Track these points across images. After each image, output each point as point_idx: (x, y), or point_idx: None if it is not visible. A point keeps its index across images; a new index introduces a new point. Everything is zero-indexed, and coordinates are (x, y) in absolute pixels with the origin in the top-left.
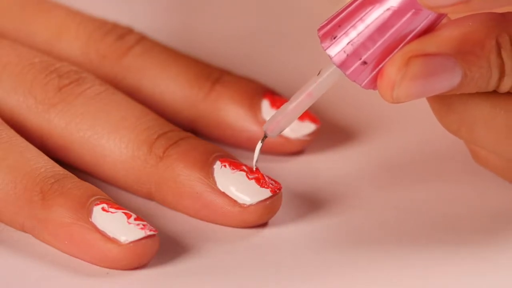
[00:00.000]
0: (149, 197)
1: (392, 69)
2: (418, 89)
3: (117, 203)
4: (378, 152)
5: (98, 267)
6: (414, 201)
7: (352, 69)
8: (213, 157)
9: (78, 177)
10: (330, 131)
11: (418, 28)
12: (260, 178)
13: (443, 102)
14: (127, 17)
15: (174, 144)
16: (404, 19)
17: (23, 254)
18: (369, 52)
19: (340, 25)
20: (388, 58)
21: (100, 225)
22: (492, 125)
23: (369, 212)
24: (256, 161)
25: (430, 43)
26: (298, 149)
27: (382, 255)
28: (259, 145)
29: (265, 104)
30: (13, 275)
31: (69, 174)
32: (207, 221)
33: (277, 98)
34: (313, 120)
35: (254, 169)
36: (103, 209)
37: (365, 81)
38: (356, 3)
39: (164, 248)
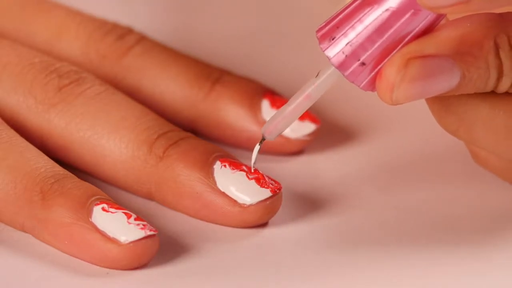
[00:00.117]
0: (149, 197)
1: (391, 71)
2: (417, 91)
3: (117, 203)
4: (378, 152)
5: (98, 267)
6: (414, 201)
7: (350, 70)
8: (213, 157)
9: (78, 177)
10: (330, 131)
11: (417, 29)
12: (260, 178)
13: (441, 103)
14: (127, 17)
15: (174, 144)
16: (403, 19)
17: (23, 254)
18: (367, 53)
19: (338, 26)
20: (386, 59)
21: (100, 225)
22: (491, 125)
23: (369, 212)
24: (254, 163)
25: (429, 44)
26: (298, 149)
27: (382, 255)
28: (257, 148)
29: (265, 104)
30: (13, 275)
31: (69, 174)
32: (207, 221)
33: (277, 98)
34: (313, 120)
35: (252, 171)
36: (103, 209)
37: (364, 82)
38: (355, 4)
39: (164, 248)
